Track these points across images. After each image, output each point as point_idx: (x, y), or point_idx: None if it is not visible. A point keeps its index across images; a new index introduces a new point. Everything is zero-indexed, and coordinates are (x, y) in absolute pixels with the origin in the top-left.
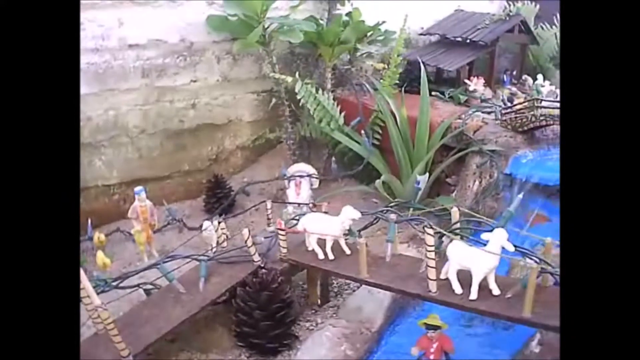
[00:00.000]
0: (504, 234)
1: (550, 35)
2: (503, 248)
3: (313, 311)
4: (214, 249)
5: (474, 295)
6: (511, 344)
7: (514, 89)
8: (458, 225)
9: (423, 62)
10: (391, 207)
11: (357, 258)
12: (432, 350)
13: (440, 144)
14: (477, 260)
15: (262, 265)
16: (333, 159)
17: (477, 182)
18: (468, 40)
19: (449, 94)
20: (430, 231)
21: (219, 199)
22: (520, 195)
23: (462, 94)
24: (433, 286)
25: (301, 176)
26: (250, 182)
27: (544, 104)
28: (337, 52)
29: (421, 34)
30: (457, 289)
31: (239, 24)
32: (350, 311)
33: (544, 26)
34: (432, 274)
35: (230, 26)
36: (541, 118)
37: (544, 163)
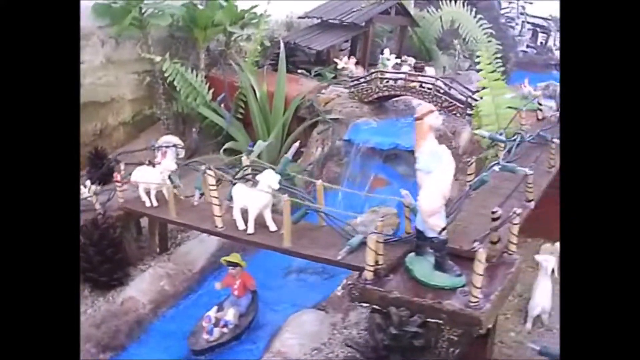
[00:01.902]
0: (272, 175)
1: (435, 19)
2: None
3: (152, 257)
4: None
5: (250, 229)
6: (328, 288)
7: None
8: (249, 170)
9: (284, 43)
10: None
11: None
12: (235, 286)
13: (296, 116)
14: (251, 199)
15: (102, 212)
16: (194, 130)
17: (319, 149)
18: (343, 23)
19: (315, 71)
20: (211, 172)
21: (99, 169)
22: (297, 144)
23: (330, 72)
24: (219, 222)
25: (167, 146)
26: (122, 152)
27: (387, 75)
28: (209, 34)
29: (301, 17)
30: (240, 225)
31: (120, 10)
32: (179, 256)
33: (429, 10)
34: (216, 211)
35: (113, 12)
36: (384, 89)
37: (385, 130)
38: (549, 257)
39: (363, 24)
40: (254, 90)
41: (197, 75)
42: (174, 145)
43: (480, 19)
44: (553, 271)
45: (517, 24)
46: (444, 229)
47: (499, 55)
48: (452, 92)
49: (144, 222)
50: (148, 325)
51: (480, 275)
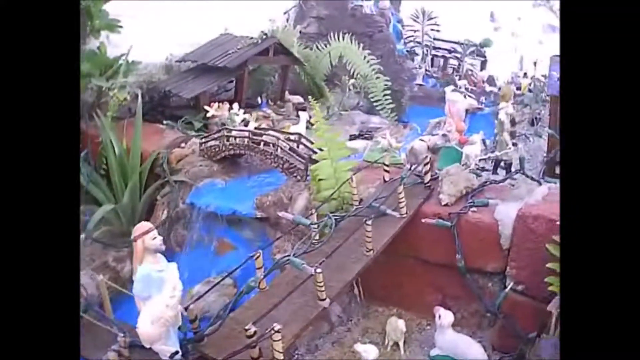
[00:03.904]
0: None
1: (324, 55)
2: None
3: None
4: None
5: None
6: None
7: (268, 111)
8: None
9: (142, 94)
10: None
11: None
12: None
13: (154, 174)
14: None
15: None
16: None
17: (165, 212)
18: (216, 66)
19: (183, 121)
20: None
21: None
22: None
23: (199, 121)
24: None
25: None
26: None
27: (233, 133)
28: None
29: (178, 61)
30: None
31: None
32: None
33: (318, 45)
34: None
35: None
36: (230, 147)
37: (230, 191)
38: (369, 348)
39: (235, 67)
40: (113, 146)
41: None
42: None
43: (369, 54)
44: (398, 346)
45: (417, 54)
46: (176, 352)
47: (387, 92)
48: (300, 149)
49: None
50: None
51: None
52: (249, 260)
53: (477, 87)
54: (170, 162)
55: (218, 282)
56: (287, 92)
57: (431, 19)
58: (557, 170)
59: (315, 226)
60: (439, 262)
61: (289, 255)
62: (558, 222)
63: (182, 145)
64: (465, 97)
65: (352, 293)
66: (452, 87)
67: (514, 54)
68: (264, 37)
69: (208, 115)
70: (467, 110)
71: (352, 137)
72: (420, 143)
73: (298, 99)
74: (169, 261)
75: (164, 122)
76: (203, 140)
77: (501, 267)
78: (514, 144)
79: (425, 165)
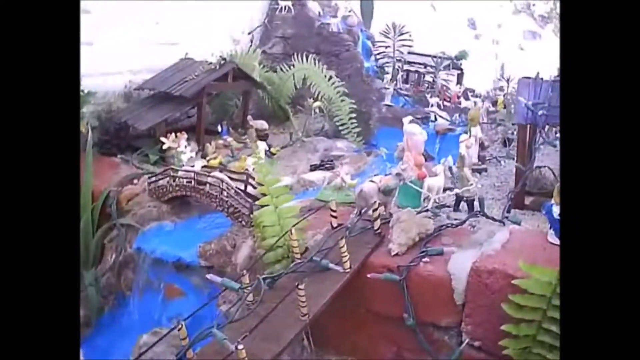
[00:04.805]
0: None
1: (288, 77)
2: None
3: None
4: None
5: None
6: None
7: (229, 139)
8: None
9: (97, 125)
10: None
11: None
12: None
13: (104, 213)
14: None
15: None
16: None
17: (113, 256)
18: (172, 95)
19: (139, 153)
20: None
21: None
22: None
23: (155, 153)
24: None
25: None
26: None
27: (179, 173)
28: None
29: (136, 89)
30: None
31: None
32: None
33: (282, 68)
34: None
35: None
36: (177, 188)
37: (178, 235)
38: None
39: (192, 95)
40: None
41: None
42: None
43: (336, 75)
44: None
45: (387, 72)
46: None
47: (353, 115)
48: (248, 190)
49: None
50: None
51: None
52: (172, 332)
53: (452, 103)
54: (120, 201)
55: (166, 334)
56: (250, 117)
57: (403, 33)
58: (527, 201)
59: (247, 289)
60: (392, 316)
61: (212, 327)
62: (515, 278)
63: (135, 181)
64: (435, 117)
65: (302, 343)
66: (409, 117)
67: (494, 61)
68: (222, 62)
69: (164, 147)
70: (437, 132)
71: (313, 168)
72: (370, 185)
73: (262, 124)
74: (120, 305)
75: (119, 155)
76: (152, 179)
77: (456, 322)
78: (484, 170)
79: (374, 210)
